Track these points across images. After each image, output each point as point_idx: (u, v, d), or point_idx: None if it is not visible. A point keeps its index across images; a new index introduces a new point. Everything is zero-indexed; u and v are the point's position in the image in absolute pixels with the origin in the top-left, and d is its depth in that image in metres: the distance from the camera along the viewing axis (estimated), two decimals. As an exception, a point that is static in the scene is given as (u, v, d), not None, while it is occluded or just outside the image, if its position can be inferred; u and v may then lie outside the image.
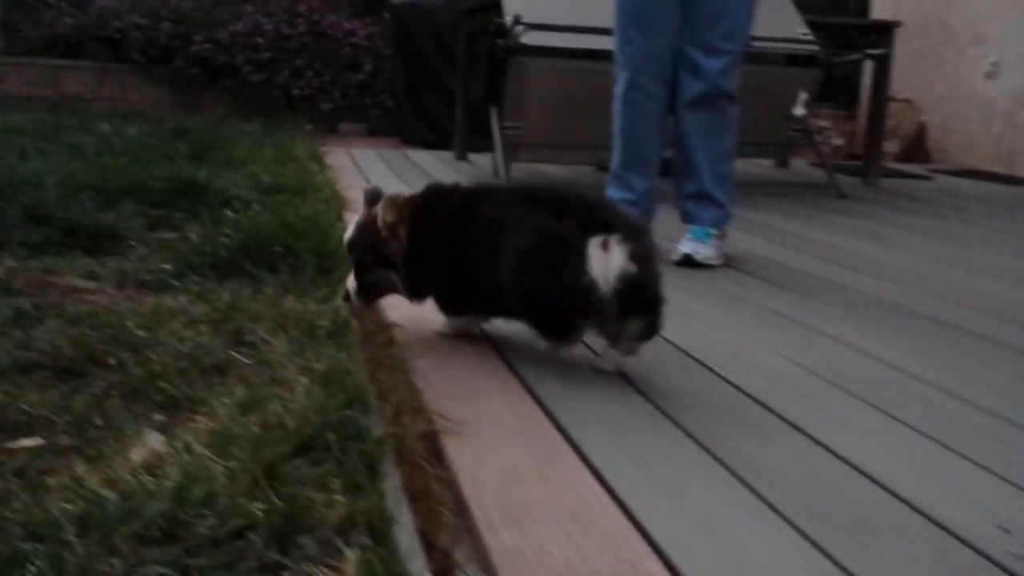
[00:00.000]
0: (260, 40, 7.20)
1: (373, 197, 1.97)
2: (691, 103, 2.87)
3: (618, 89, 2.95)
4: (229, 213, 3.00)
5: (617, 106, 2.96)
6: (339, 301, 2.04)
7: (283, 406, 1.40)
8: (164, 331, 1.88)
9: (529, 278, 1.67)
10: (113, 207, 2.98)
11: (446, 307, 1.95)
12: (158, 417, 1.49)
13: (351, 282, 1.97)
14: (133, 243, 2.71)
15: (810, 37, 4.89)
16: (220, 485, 1.19)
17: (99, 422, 1.44)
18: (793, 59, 5.13)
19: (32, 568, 1.03)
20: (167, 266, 2.39)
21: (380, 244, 1.89)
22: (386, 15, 7.54)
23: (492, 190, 2.28)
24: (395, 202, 1.89)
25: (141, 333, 1.86)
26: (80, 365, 1.68)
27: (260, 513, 1.14)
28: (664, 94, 2.91)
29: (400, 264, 1.89)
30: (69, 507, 1.16)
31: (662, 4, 2.81)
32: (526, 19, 4.30)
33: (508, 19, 4.42)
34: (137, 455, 1.32)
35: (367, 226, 1.93)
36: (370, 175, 4.62)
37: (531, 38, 4.35)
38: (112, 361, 1.70)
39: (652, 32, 2.84)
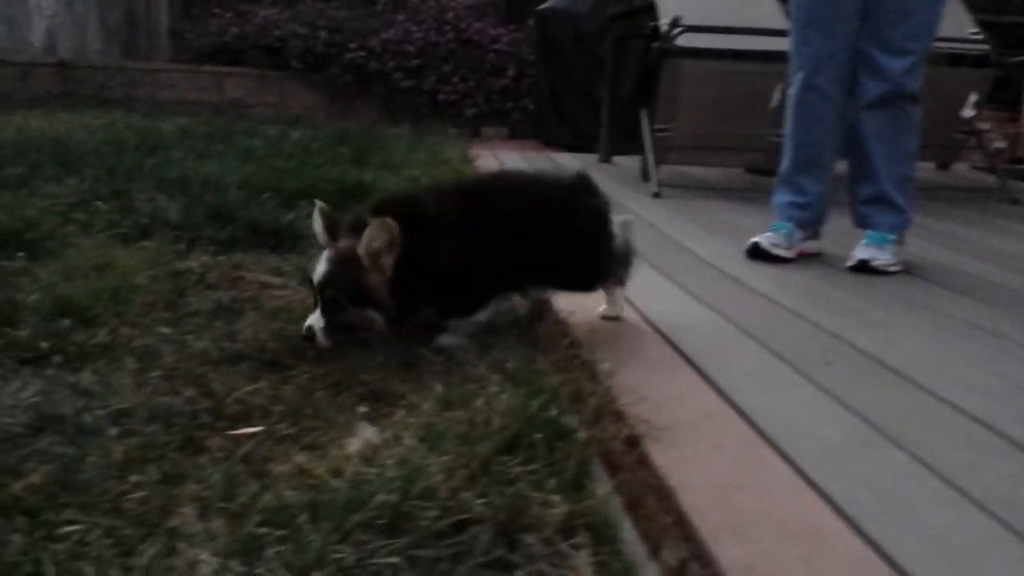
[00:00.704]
0: (410, 47, 7.40)
1: (334, 224, 1.83)
2: (871, 105, 2.74)
3: (792, 90, 2.85)
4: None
5: (791, 107, 2.86)
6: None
7: (487, 404, 1.42)
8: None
9: (586, 247, 1.94)
10: (289, 207, 3.11)
11: (467, 308, 1.89)
12: (362, 409, 1.54)
13: (315, 320, 1.77)
14: (311, 242, 2.82)
15: (980, 37, 4.61)
16: (437, 479, 1.21)
17: (309, 412, 1.50)
18: (960, 59, 4.85)
19: (271, 553, 1.08)
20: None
21: (361, 279, 1.75)
22: (530, 21, 7.61)
23: (471, 184, 2.32)
24: (387, 225, 1.72)
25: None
26: (283, 357, 1.75)
27: (482, 508, 1.15)
28: (840, 96, 2.79)
29: (384, 297, 1.77)
30: (295, 494, 1.21)
31: (842, 3, 2.71)
32: (682, 21, 4.24)
33: (663, 22, 4.37)
34: (353, 446, 1.36)
35: (343, 261, 1.77)
36: (521, 178, 4.66)
37: (686, 40, 4.28)
38: (311, 354, 1.77)
39: (830, 32, 2.74)
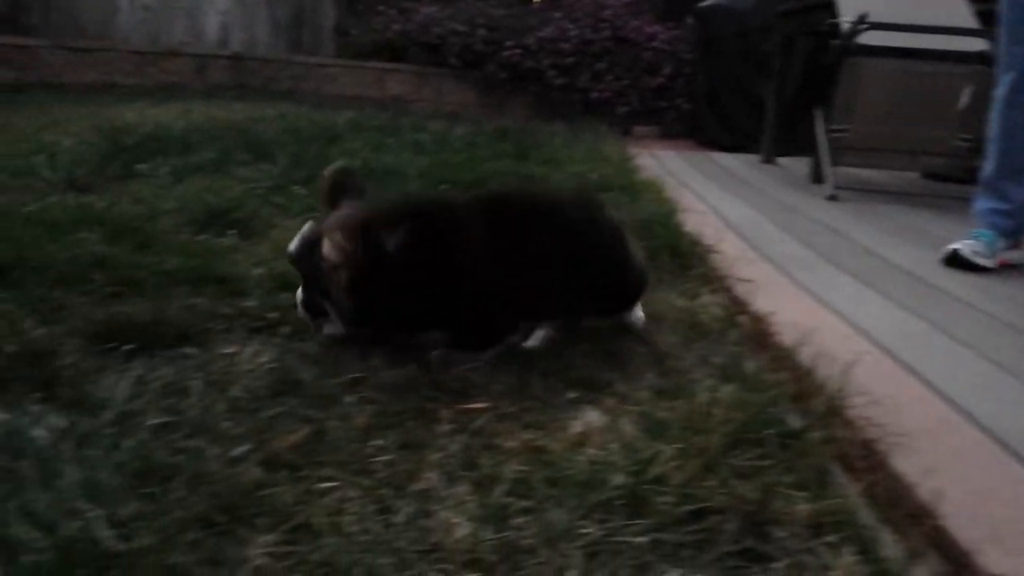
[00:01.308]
0: (565, 45, 7.43)
1: (338, 189, 1.72)
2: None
3: (1000, 91, 2.69)
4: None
5: (997, 109, 2.70)
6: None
7: (712, 396, 1.41)
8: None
9: (625, 266, 1.83)
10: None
11: (492, 338, 1.69)
12: (572, 394, 1.55)
13: (298, 293, 1.73)
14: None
15: None
16: (669, 466, 1.21)
17: (525, 393, 1.53)
18: None
19: (518, 521, 1.10)
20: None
21: (324, 267, 1.61)
22: (689, 19, 7.50)
23: (494, 196, 1.95)
24: (341, 246, 1.57)
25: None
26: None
27: (723, 498, 1.14)
28: (1055, 97, 2.62)
29: (339, 294, 1.61)
30: (530, 468, 1.23)
31: (1062, -1, 2.53)
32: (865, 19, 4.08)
33: (844, 19, 4.21)
34: (576, 427, 1.38)
35: (315, 241, 1.64)
36: (682, 177, 4.61)
37: (868, 37, 4.11)
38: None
39: (1047, 30, 2.57)
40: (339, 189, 1.71)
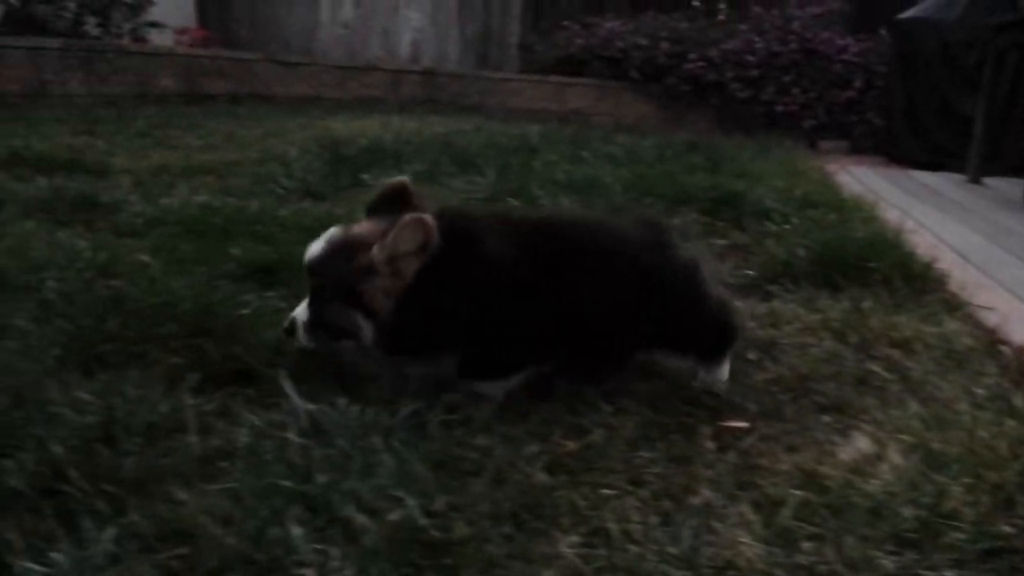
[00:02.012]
0: (750, 58, 7.28)
1: (385, 199, 1.52)
2: None
3: None
4: (771, 225, 3.05)
5: None
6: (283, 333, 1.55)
7: (996, 431, 1.35)
8: (784, 334, 1.94)
9: (693, 307, 1.59)
10: (671, 212, 3.19)
11: (509, 366, 1.51)
12: (826, 418, 1.53)
13: (301, 312, 1.51)
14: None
15: None
16: (961, 501, 1.17)
17: (777, 414, 1.52)
18: None
19: (807, 546, 1.10)
20: (750, 271, 2.48)
21: (359, 275, 1.42)
22: (882, 31, 7.18)
23: (544, 219, 1.79)
24: (424, 225, 1.39)
25: (762, 333, 1.94)
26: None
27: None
28: None
29: (384, 309, 1.42)
30: (805, 493, 1.23)
31: None
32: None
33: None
34: (846, 454, 1.36)
35: (346, 247, 1.45)
36: (884, 195, 4.41)
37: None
38: (751, 356, 1.79)
39: None
40: (389, 201, 1.51)
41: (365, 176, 3.49)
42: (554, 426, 1.39)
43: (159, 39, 6.89)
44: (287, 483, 1.10)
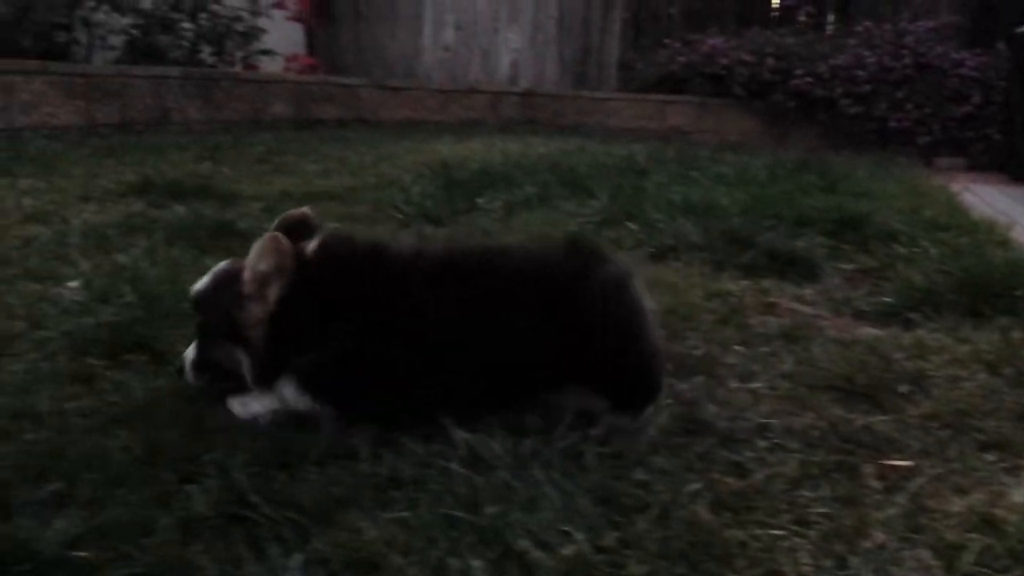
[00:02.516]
0: (860, 73, 7.10)
1: (288, 228, 1.45)
2: None
3: None
4: (899, 248, 2.95)
5: None
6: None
7: None
8: (933, 366, 1.86)
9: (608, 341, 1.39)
10: (793, 235, 3.11)
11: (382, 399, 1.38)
12: (990, 457, 1.46)
13: (190, 351, 1.47)
14: (822, 271, 2.79)
15: None
16: None
17: (938, 452, 1.46)
18: None
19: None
20: (887, 298, 2.40)
21: (236, 306, 1.38)
22: (1000, 44, 6.90)
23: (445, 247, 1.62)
24: (277, 244, 1.35)
25: (910, 365, 1.87)
26: (869, 390, 1.74)
27: None
28: None
29: (256, 338, 1.37)
30: (983, 538, 1.17)
31: None
32: None
33: None
34: (1019, 496, 1.30)
35: (226, 280, 1.42)
36: (1015, 216, 4.21)
37: None
38: (902, 390, 1.73)
39: None
40: (289, 232, 1.42)
41: (480, 200, 3.53)
42: (711, 463, 1.36)
43: (269, 66, 7.15)
44: (459, 513, 1.11)
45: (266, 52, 6.91)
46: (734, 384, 1.73)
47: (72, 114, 5.12)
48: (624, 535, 1.11)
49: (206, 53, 6.70)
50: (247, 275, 1.35)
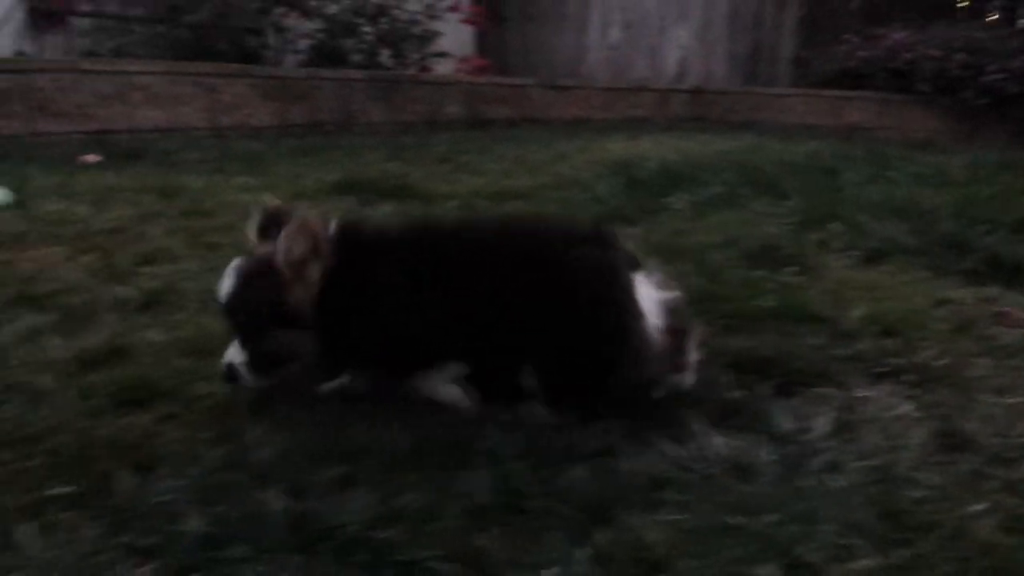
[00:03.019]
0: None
1: (272, 224, 1.45)
2: None
3: None
4: None
5: None
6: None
7: None
8: None
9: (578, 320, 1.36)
10: (1014, 240, 2.90)
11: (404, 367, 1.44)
12: None
13: (234, 355, 1.42)
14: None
15: None
16: None
17: None
18: None
19: None
20: None
21: (276, 293, 1.38)
22: None
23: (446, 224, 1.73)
24: (308, 227, 1.38)
25: None
26: None
27: None
28: None
29: (310, 317, 1.39)
30: None
31: None
32: None
33: None
34: None
35: (255, 273, 1.41)
36: None
37: None
38: None
39: None
40: (274, 224, 1.45)
41: (668, 199, 3.49)
42: (984, 480, 1.29)
43: (441, 68, 7.35)
44: (737, 520, 1.09)
45: (441, 55, 7.10)
46: (988, 398, 1.62)
47: (268, 115, 5.44)
48: (915, 553, 1.06)
49: (385, 56, 6.96)
50: (284, 260, 1.36)
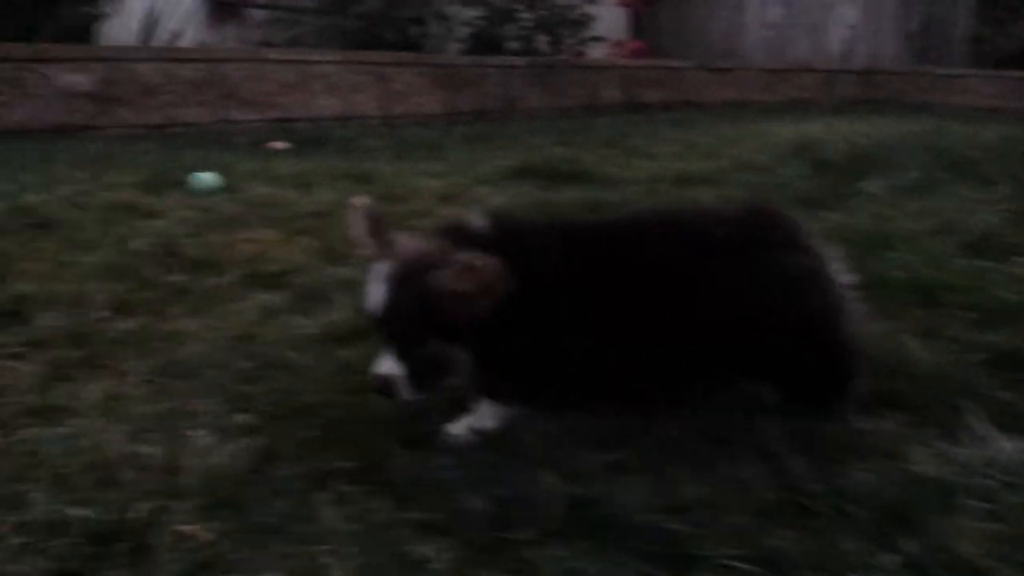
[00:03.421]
0: None
1: (380, 225, 1.32)
2: None
3: None
4: None
5: None
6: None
7: None
8: None
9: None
10: None
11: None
12: None
13: (389, 366, 1.26)
14: None
15: None
16: None
17: None
18: None
19: None
20: None
21: (444, 299, 1.22)
22: None
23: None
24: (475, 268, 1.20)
25: None
26: None
27: None
28: None
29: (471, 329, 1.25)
30: None
31: None
32: None
33: None
34: None
35: (413, 274, 1.24)
36: None
37: None
38: None
39: None
40: (379, 224, 1.32)
41: (861, 183, 3.32)
42: None
43: (594, 52, 7.29)
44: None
45: (597, 39, 7.05)
46: None
47: (436, 103, 5.54)
48: None
49: (541, 42, 6.97)
50: (457, 267, 1.21)
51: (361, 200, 1.32)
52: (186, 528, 1.04)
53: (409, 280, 1.23)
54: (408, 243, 1.29)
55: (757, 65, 7.73)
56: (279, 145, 4.20)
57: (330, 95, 5.04)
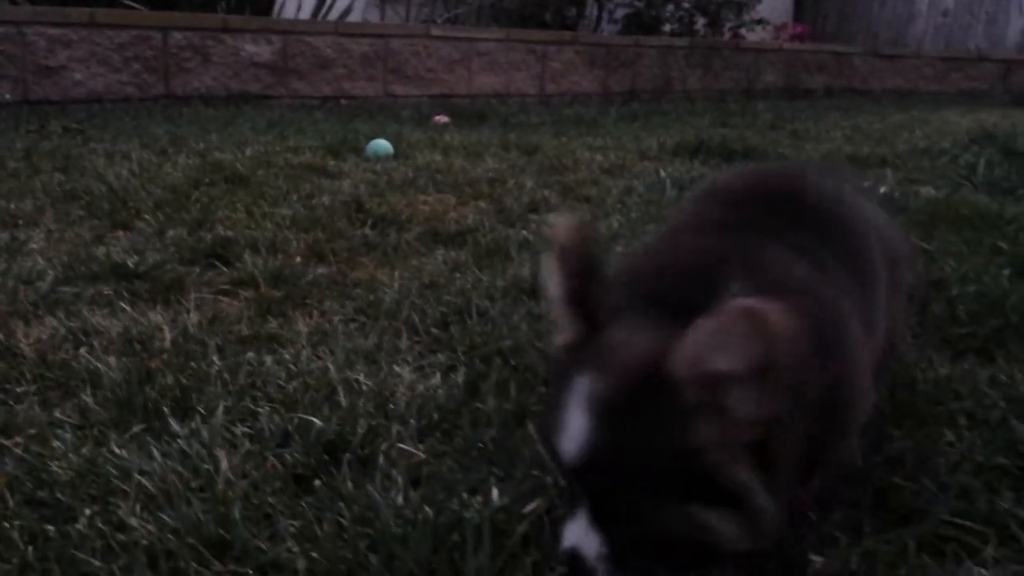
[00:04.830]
0: None
1: (590, 287, 0.79)
2: None
3: None
4: None
5: None
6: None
7: None
8: None
9: None
10: None
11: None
12: None
13: (581, 535, 0.79)
14: None
15: None
16: None
17: None
18: None
19: None
20: None
21: (696, 443, 0.71)
22: None
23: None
24: (757, 317, 0.67)
25: None
26: None
27: None
28: None
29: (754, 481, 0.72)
30: None
31: None
32: None
33: None
34: None
35: (641, 396, 0.74)
36: None
37: None
38: None
39: None
40: (593, 290, 0.81)
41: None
42: None
43: (752, 35, 7.07)
44: None
45: (760, 22, 6.85)
46: None
47: (591, 82, 5.53)
48: None
49: (700, 24, 6.83)
50: (686, 370, 0.72)
51: (566, 222, 0.80)
52: (403, 446, 1.09)
53: (627, 400, 0.75)
54: (629, 333, 0.78)
55: (928, 53, 7.30)
56: (442, 119, 4.30)
57: (490, 72, 5.11)
